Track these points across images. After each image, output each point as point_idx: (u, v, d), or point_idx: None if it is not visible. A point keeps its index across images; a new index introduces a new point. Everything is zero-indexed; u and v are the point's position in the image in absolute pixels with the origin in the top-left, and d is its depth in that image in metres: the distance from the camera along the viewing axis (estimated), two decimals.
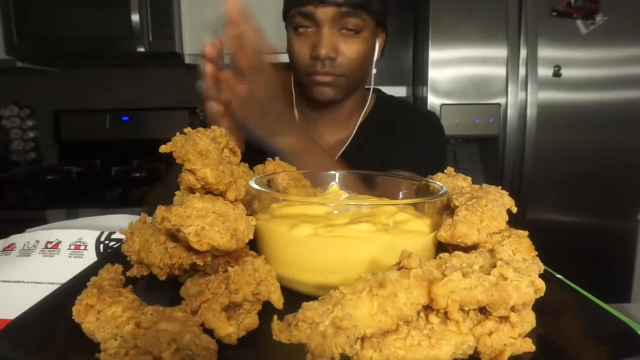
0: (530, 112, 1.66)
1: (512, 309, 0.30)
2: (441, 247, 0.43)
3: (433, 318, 0.30)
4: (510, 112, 1.68)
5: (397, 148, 0.94)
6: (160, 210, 0.41)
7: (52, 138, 2.25)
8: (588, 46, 1.64)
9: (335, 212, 0.44)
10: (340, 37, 0.82)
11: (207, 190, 0.41)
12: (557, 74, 1.66)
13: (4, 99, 2.23)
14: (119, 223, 0.69)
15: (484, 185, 0.47)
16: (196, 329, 0.29)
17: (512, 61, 1.65)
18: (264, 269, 0.34)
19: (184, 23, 1.94)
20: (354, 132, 0.96)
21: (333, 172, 0.56)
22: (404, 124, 0.98)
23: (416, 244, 0.41)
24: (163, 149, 0.39)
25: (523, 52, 1.65)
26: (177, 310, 0.31)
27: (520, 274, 0.30)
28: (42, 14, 1.85)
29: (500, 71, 1.66)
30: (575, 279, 0.48)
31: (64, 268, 0.55)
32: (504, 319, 0.30)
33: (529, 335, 0.31)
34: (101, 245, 0.59)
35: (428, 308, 0.30)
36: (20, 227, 0.72)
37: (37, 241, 0.59)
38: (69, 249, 0.58)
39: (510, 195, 0.45)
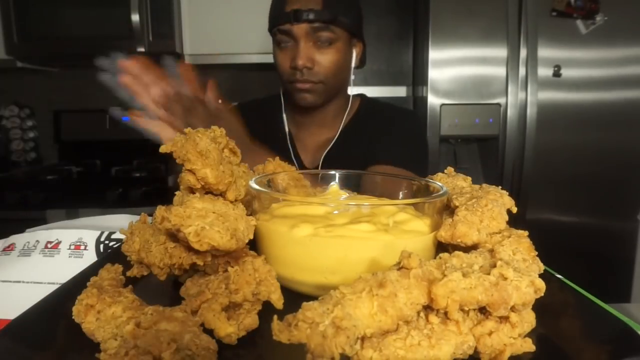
0: (530, 112, 1.66)
1: (512, 309, 0.30)
2: (441, 247, 0.43)
3: (433, 318, 0.30)
4: (510, 112, 1.68)
5: (377, 145, 1.03)
6: (160, 210, 0.41)
7: (52, 138, 2.25)
8: (588, 46, 1.64)
9: (335, 212, 0.44)
10: (316, 48, 0.93)
11: (207, 191, 0.41)
12: (557, 74, 1.66)
13: (4, 99, 2.23)
14: (119, 223, 0.69)
15: (484, 185, 0.47)
16: (196, 329, 0.29)
17: (512, 61, 1.65)
18: (264, 269, 0.34)
19: (184, 23, 1.94)
20: (338, 133, 1.06)
21: (333, 172, 0.56)
22: (384, 123, 1.07)
23: (416, 244, 0.41)
24: (163, 149, 0.39)
25: (523, 52, 1.65)
26: (177, 310, 0.31)
27: (520, 274, 0.30)
28: (42, 14, 1.85)
29: (500, 71, 1.66)
30: (575, 279, 0.48)
31: (64, 268, 0.55)
32: (504, 319, 0.30)
33: (529, 335, 0.31)
34: (101, 245, 0.59)
35: (428, 308, 0.30)
36: (20, 227, 0.72)
37: (37, 241, 0.59)
38: (69, 249, 0.58)
39: (510, 195, 0.45)
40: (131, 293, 0.35)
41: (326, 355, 0.24)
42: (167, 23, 1.85)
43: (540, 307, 0.31)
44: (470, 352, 0.30)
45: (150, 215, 0.45)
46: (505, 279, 0.29)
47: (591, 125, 1.69)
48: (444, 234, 0.41)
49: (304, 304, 0.26)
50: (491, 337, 0.29)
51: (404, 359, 0.27)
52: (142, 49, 1.86)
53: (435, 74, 1.68)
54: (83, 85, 2.32)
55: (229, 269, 0.34)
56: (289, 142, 1.08)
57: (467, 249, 0.39)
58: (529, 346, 0.30)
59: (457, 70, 1.68)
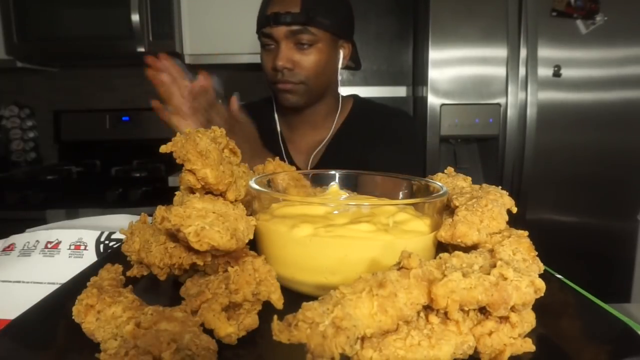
0: (530, 112, 1.66)
1: (512, 309, 0.30)
2: (441, 247, 0.43)
3: (433, 318, 0.30)
4: (510, 112, 1.68)
5: (371, 148, 1.03)
6: (160, 210, 0.41)
7: (52, 138, 2.25)
8: (588, 46, 1.64)
9: (335, 212, 0.44)
10: (297, 50, 0.95)
11: (207, 191, 0.41)
12: (557, 74, 1.66)
13: (4, 99, 2.23)
14: (119, 223, 0.69)
15: (484, 185, 0.47)
16: (196, 329, 0.29)
17: (512, 61, 1.65)
18: (264, 269, 0.34)
19: (184, 23, 1.94)
20: (330, 135, 1.08)
21: (333, 172, 0.56)
22: (377, 125, 1.08)
23: (416, 244, 0.41)
24: (163, 149, 0.39)
25: (523, 52, 1.65)
26: (177, 310, 0.31)
27: (520, 274, 0.30)
28: (42, 14, 1.85)
29: (500, 71, 1.66)
30: (575, 279, 0.48)
31: (64, 268, 0.55)
32: (504, 319, 0.30)
33: (529, 335, 0.31)
34: (101, 245, 0.59)
35: (428, 308, 0.30)
36: (20, 227, 0.72)
37: (37, 241, 0.59)
38: (69, 249, 0.58)
39: (510, 195, 0.45)
40: (131, 293, 0.35)
41: (326, 355, 0.24)
42: (167, 23, 1.86)
43: (540, 307, 0.31)
44: (470, 352, 0.30)
45: (150, 215, 0.45)
46: (505, 279, 0.29)
47: (591, 125, 1.69)
48: (444, 234, 0.41)
49: (304, 304, 0.26)
50: (491, 337, 0.29)
51: (404, 359, 0.27)
52: (142, 49, 1.86)
53: (435, 74, 1.68)
54: (83, 85, 2.32)
55: (229, 269, 0.34)
56: (281, 143, 1.10)
57: (467, 249, 0.39)
58: (529, 346, 0.30)
59: (457, 70, 1.68)
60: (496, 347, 0.30)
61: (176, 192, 0.43)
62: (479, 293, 0.28)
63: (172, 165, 1.35)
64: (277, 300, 0.34)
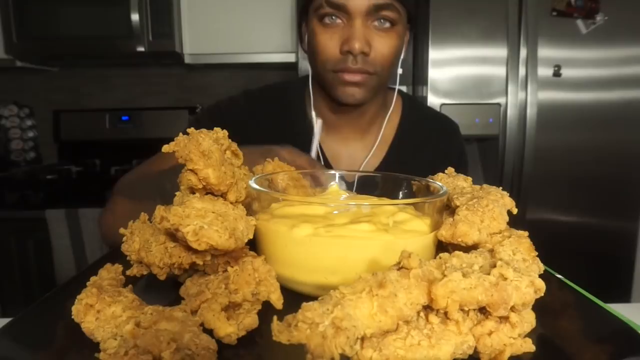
0: (530, 112, 1.66)
1: (512, 309, 0.29)
2: (441, 247, 0.43)
3: (433, 318, 0.30)
4: (510, 112, 1.68)
5: (426, 165, 0.82)
6: (159, 210, 0.41)
7: (52, 138, 2.25)
8: (588, 46, 1.64)
9: (335, 212, 0.44)
10: (374, 30, 0.74)
11: (208, 191, 0.41)
12: (557, 73, 1.66)
13: (3, 98, 2.23)
14: None
15: (485, 185, 0.47)
16: (196, 328, 0.29)
17: (512, 61, 1.65)
18: (263, 268, 0.34)
19: (184, 23, 1.94)
20: (379, 141, 0.89)
21: (333, 172, 0.56)
22: (428, 139, 0.92)
23: (416, 244, 0.41)
24: (166, 148, 0.39)
25: (523, 52, 1.65)
26: (177, 310, 0.31)
27: (520, 274, 0.30)
28: (42, 13, 1.85)
29: (500, 71, 1.66)
30: (575, 279, 0.48)
31: None
32: (504, 319, 0.30)
33: (529, 335, 0.31)
34: None
35: (428, 308, 0.30)
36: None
37: None
38: None
39: (510, 195, 0.45)
40: (131, 293, 0.35)
41: (326, 355, 0.24)
42: (166, 23, 1.85)
43: (540, 307, 0.31)
44: (470, 352, 0.30)
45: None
46: (505, 279, 0.29)
47: (591, 125, 1.69)
48: (444, 233, 0.41)
49: (304, 304, 0.26)
50: (491, 337, 0.29)
51: (403, 359, 0.27)
52: (141, 49, 1.86)
53: (435, 74, 1.68)
54: (83, 84, 2.32)
55: (229, 268, 0.34)
56: (320, 154, 0.87)
57: (467, 248, 0.39)
58: (529, 346, 0.30)
59: (457, 70, 1.68)
60: (496, 347, 0.30)
61: (176, 192, 0.43)
62: (479, 293, 0.28)
63: None
64: (277, 300, 0.33)
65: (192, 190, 0.41)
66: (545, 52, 1.64)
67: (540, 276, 0.31)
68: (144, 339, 0.27)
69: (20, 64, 1.97)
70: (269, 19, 1.95)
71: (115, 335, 0.30)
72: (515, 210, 0.44)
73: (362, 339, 0.27)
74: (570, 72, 1.66)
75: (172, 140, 0.39)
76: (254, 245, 0.42)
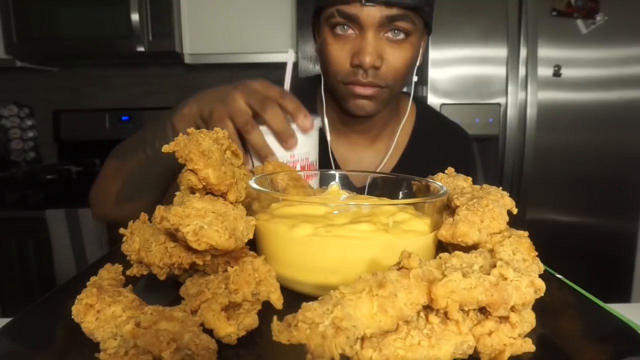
0: (530, 112, 1.66)
1: (512, 309, 0.29)
2: (441, 247, 0.43)
3: (433, 318, 0.30)
4: (510, 112, 1.68)
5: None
6: (159, 210, 0.41)
7: (52, 137, 2.25)
8: (588, 46, 1.64)
9: (335, 212, 0.43)
10: (386, 42, 0.71)
11: (208, 191, 0.41)
12: (557, 73, 1.66)
13: (3, 98, 2.23)
14: None
15: (485, 185, 0.47)
16: (196, 328, 0.29)
17: (512, 61, 1.65)
18: (263, 268, 0.34)
19: (184, 23, 1.94)
20: (392, 149, 0.86)
21: (333, 172, 0.56)
22: (449, 155, 0.88)
23: (416, 244, 0.41)
24: (166, 148, 0.39)
25: (523, 52, 1.65)
26: (177, 310, 0.31)
27: (520, 274, 0.30)
28: (42, 13, 1.85)
29: (500, 71, 1.66)
30: (575, 279, 0.48)
31: None
32: (504, 319, 0.30)
33: (529, 335, 0.31)
34: None
35: (428, 308, 0.30)
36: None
37: None
38: None
39: (510, 195, 0.45)
40: (131, 293, 0.35)
41: (326, 355, 0.24)
42: (166, 22, 1.86)
43: (540, 307, 0.31)
44: (470, 352, 0.30)
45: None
46: (505, 279, 0.29)
47: (591, 125, 1.69)
48: (444, 233, 0.41)
49: (304, 304, 0.26)
50: (491, 337, 0.29)
51: (403, 358, 0.27)
52: (141, 49, 1.86)
53: (435, 74, 1.68)
54: (83, 84, 2.32)
55: (229, 268, 0.34)
56: (331, 156, 0.85)
57: (467, 248, 0.39)
58: (529, 346, 0.30)
59: (457, 70, 1.68)
60: (496, 347, 0.30)
61: (176, 193, 0.43)
62: (479, 293, 0.28)
63: None
64: (277, 300, 0.33)
65: (192, 190, 0.41)
66: (545, 52, 1.64)
67: (540, 276, 0.31)
68: (144, 339, 0.27)
69: (20, 64, 1.97)
70: (269, 19, 1.95)
71: (115, 335, 0.30)
72: (515, 210, 0.44)
73: (362, 339, 0.27)
74: (570, 72, 1.66)
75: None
76: (254, 245, 0.42)
